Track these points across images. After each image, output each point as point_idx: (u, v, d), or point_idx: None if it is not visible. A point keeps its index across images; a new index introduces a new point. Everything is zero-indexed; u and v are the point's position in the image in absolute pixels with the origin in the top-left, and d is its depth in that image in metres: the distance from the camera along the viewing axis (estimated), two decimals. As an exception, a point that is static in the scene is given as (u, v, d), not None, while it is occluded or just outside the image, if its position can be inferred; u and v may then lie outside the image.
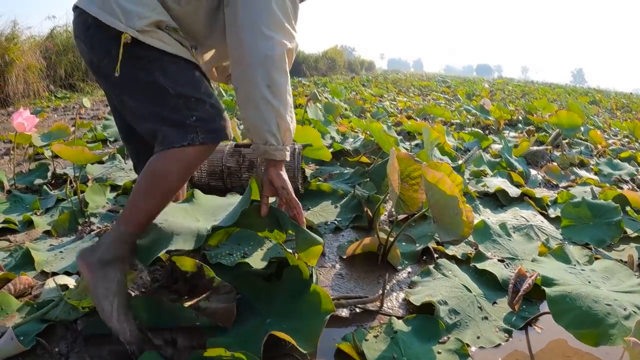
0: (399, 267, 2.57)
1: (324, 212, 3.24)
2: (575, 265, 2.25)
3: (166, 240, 1.77)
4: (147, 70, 1.92)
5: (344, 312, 2.04)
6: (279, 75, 1.90)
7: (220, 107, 1.98)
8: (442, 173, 2.18)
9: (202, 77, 2.02)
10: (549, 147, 6.07)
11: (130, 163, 4.17)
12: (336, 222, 3.12)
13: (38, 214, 3.11)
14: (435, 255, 2.67)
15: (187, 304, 1.85)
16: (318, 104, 6.23)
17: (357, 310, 2.07)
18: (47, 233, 2.84)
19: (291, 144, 2.06)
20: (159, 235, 1.81)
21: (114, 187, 3.53)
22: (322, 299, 1.79)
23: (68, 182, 3.40)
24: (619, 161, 5.50)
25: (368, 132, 4.92)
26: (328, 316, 1.73)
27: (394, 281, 2.44)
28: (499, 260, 2.66)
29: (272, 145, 1.94)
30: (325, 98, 9.62)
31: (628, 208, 3.53)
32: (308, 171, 3.81)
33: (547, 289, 1.88)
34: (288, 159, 2.01)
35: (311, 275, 1.88)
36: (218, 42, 2.14)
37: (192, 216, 2.05)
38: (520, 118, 9.05)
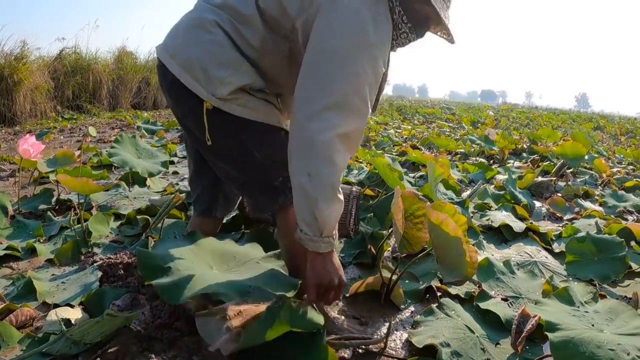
0: (402, 306, 2.55)
1: None
2: (579, 306, 2.22)
3: (197, 286, 1.76)
4: (232, 134, 1.94)
5: (347, 353, 2.02)
6: (323, 165, 1.75)
7: None
8: (445, 215, 2.17)
9: (287, 136, 1.93)
10: (553, 178, 6.06)
11: (134, 190, 4.18)
12: (339, 258, 3.05)
13: (41, 241, 3.11)
14: (439, 294, 2.65)
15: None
16: None
17: (360, 351, 2.05)
18: (50, 261, 2.83)
19: (331, 234, 1.88)
20: (185, 279, 1.79)
21: (117, 216, 3.53)
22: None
23: (72, 210, 3.41)
24: (624, 192, 5.47)
25: (372, 165, 4.90)
26: None
27: (397, 320, 2.42)
28: (502, 299, 2.63)
29: (307, 235, 1.84)
30: None
31: (633, 243, 3.51)
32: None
33: (550, 335, 1.85)
34: (324, 251, 1.87)
35: (323, 331, 1.78)
36: None
37: (202, 259, 2.03)
38: (525, 147, 9.04)
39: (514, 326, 2.25)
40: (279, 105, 2.13)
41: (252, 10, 1.92)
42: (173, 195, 2.97)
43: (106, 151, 4.83)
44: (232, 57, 1.92)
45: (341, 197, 1.86)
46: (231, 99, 1.88)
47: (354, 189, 2.98)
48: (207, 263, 2.02)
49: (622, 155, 10.08)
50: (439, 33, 2.12)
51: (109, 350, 1.91)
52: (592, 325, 2.00)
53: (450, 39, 2.12)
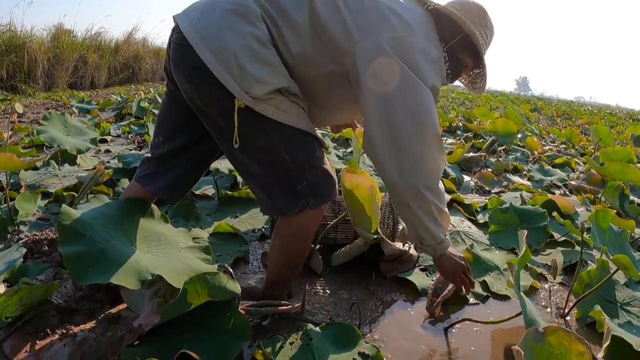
0: (323, 273, 2.60)
1: (252, 219, 3.24)
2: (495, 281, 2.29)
3: (105, 267, 1.68)
4: (262, 133, 1.85)
5: (266, 321, 2.06)
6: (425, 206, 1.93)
7: (330, 170, 1.98)
8: (361, 177, 2.25)
9: (316, 141, 1.97)
10: (484, 153, 6.19)
11: (64, 169, 4.11)
12: (263, 229, 3.12)
13: (-34, 220, 3.04)
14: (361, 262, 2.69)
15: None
16: None
17: (277, 317, 2.08)
18: (-25, 240, 2.76)
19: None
20: (97, 255, 1.72)
21: (45, 195, 3.46)
22: (243, 325, 1.76)
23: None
24: (550, 167, 5.64)
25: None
26: (244, 344, 1.72)
27: (318, 287, 2.47)
28: (421, 269, 2.70)
29: (431, 246, 2.04)
30: None
31: (555, 214, 3.62)
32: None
33: None
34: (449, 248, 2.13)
35: (238, 298, 1.82)
36: (322, 110, 2.10)
37: (126, 234, 1.97)
38: (460, 125, 9.18)
39: (430, 290, 2.32)
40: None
41: (303, 17, 1.83)
42: (96, 169, 2.94)
43: (34, 129, 4.74)
44: (270, 56, 1.79)
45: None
46: (266, 99, 1.77)
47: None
48: (130, 238, 1.97)
49: (555, 135, 10.34)
50: (463, 80, 2.33)
51: (29, 323, 1.89)
52: None
53: (480, 87, 2.29)
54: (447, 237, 2.11)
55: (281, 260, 2.06)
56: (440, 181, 2.01)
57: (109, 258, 1.72)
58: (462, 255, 2.21)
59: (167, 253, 1.99)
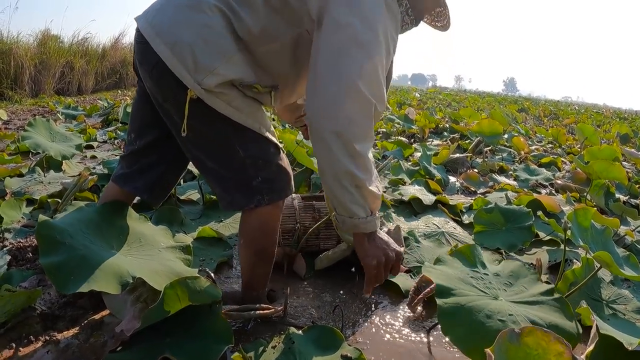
0: (306, 276, 2.60)
1: (236, 224, 3.13)
2: (479, 268, 2.24)
3: (86, 274, 1.68)
4: (216, 127, 1.84)
5: (248, 325, 2.06)
6: (362, 144, 1.73)
7: (286, 165, 1.98)
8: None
9: (271, 136, 1.95)
10: (470, 154, 6.21)
11: (49, 175, 4.10)
12: None
13: (-50, 227, 3.02)
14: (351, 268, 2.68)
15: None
16: None
17: (259, 320, 2.09)
18: (-42, 248, 2.75)
19: (378, 210, 1.87)
20: (78, 262, 1.72)
21: (30, 201, 3.44)
22: (225, 329, 1.75)
23: (-19, 196, 3.34)
24: (536, 167, 5.67)
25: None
26: (226, 348, 1.71)
27: (301, 290, 2.47)
28: (405, 271, 2.69)
29: (361, 219, 1.80)
30: None
31: (540, 212, 3.63)
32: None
33: (438, 300, 1.85)
34: (378, 227, 1.88)
35: (219, 303, 1.81)
36: (298, 78, 2.01)
37: (105, 237, 1.97)
38: (447, 126, 9.22)
39: (412, 288, 2.32)
40: (272, 101, 1.95)
41: None
42: (80, 175, 2.94)
43: (19, 135, 4.73)
44: (224, 45, 1.76)
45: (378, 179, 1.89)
46: (217, 93, 1.75)
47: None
48: (109, 242, 1.97)
49: (542, 135, 10.38)
50: (431, 22, 2.17)
51: (13, 330, 1.89)
52: (487, 290, 2.01)
53: (445, 25, 2.15)
54: (375, 217, 1.82)
55: (249, 259, 2.05)
56: (369, 159, 1.78)
57: (90, 264, 1.72)
58: (400, 249, 1.95)
59: (147, 255, 2.00)
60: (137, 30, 1.85)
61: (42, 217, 1.81)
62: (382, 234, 1.91)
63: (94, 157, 5.26)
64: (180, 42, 1.73)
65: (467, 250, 2.25)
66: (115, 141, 6.33)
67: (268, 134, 1.94)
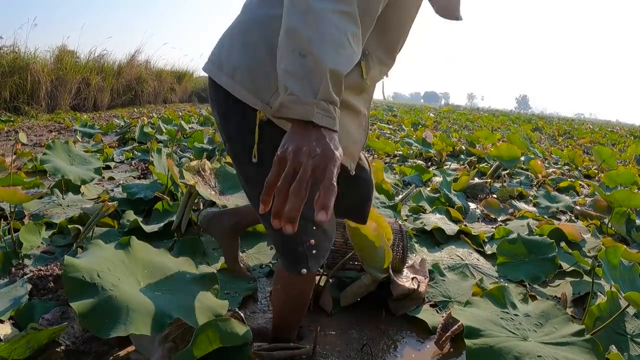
0: (332, 312, 2.56)
1: (259, 254, 3.19)
2: (509, 309, 2.23)
3: (121, 316, 1.64)
4: None
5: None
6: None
7: (331, 230, 1.85)
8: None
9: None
10: (489, 180, 6.17)
11: (68, 198, 4.09)
12: (271, 265, 3.07)
13: (-30, 252, 3.01)
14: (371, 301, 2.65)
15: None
16: None
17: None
18: (-21, 274, 2.73)
19: (332, 98, 1.15)
20: (110, 304, 1.69)
21: (49, 225, 3.43)
22: None
23: (1, 219, 3.32)
24: (557, 193, 5.60)
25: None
26: None
27: (328, 327, 2.43)
28: (431, 305, 2.66)
29: (292, 97, 1.13)
30: None
31: (563, 243, 3.59)
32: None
33: (467, 341, 1.82)
34: (318, 121, 1.11)
35: (250, 343, 1.78)
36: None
37: (132, 273, 1.95)
38: (463, 148, 9.19)
39: (440, 325, 2.29)
40: (364, 73, 1.61)
41: None
42: (103, 204, 2.93)
43: (38, 155, 4.73)
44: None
45: (354, 46, 1.26)
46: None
47: (400, 223, 3.02)
48: (136, 278, 1.94)
49: (558, 156, 10.34)
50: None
51: (36, 366, 1.87)
52: (517, 331, 1.98)
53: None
54: (322, 104, 1.12)
55: (284, 303, 2.01)
56: (333, 22, 1.19)
57: (122, 305, 1.69)
58: (337, 156, 1.13)
59: (176, 289, 1.97)
60: (208, 78, 1.74)
61: (67, 259, 1.78)
62: (337, 142, 1.14)
63: (111, 178, 5.27)
64: (239, 67, 1.59)
65: (497, 292, 2.21)
66: (133, 162, 6.34)
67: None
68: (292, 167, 1.06)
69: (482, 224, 4.57)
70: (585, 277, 3.21)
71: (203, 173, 3.03)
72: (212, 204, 3.85)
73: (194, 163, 3.00)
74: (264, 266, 3.07)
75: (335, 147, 1.11)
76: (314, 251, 1.75)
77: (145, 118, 9.43)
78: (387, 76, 1.85)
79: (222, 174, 3.36)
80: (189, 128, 9.73)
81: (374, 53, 1.66)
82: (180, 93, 24.36)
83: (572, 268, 3.32)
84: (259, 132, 1.59)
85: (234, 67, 1.59)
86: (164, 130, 8.60)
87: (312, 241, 1.72)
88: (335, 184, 1.04)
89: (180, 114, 15.11)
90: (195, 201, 3.21)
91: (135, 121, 9.65)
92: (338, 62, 1.16)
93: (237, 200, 3.25)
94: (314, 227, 1.71)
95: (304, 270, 1.77)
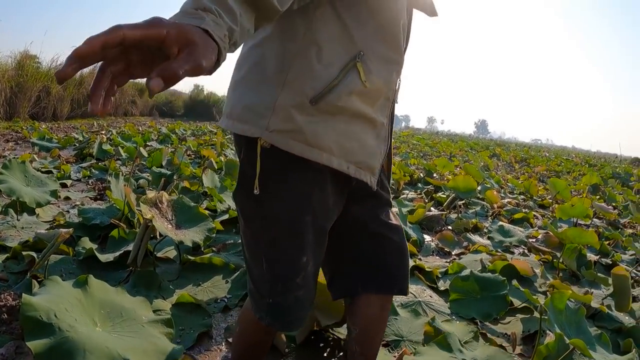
0: (286, 350, 2.56)
1: (214, 288, 3.17)
2: (456, 353, 2.30)
3: (79, 358, 1.65)
4: (289, 185, 1.51)
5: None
6: None
7: (304, 301, 1.65)
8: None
9: (314, 257, 1.61)
10: (445, 211, 6.25)
11: (22, 219, 4.03)
12: (226, 299, 3.04)
13: None
14: (329, 337, 2.67)
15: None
16: (215, 173, 5.89)
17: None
18: None
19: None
20: (67, 346, 1.69)
21: (2, 248, 3.37)
22: None
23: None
24: (510, 227, 5.67)
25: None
26: None
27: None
28: (383, 345, 2.68)
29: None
30: (227, 155, 9.17)
31: (515, 281, 3.65)
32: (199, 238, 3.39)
33: None
34: (194, 23, 0.90)
35: None
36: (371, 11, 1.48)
37: (88, 314, 1.95)
38: (421, 175, 9.28)
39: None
40: (362, 75, 1.48)
41: None
42: (58, 233, 2.89)
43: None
44: (269, 76, 1.46)
45: None
46: (289, 131, 1.43)
47: None
48: (93, 319, 1.95)
49: (514, 185, 10.50)
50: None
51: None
52: None
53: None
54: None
55: (238, 347, 1.92)
56: None
57: (79, 347, 1.71)
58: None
59: (132, 331, 1.99)
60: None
61: (26, 298, 1.79)
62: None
63: (67, 198, 5.19)
64: (235, 104, 1.54)
65: (443, 340, 2.35)
66: (90, 181, 6.25)
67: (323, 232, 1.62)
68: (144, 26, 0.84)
69: (437, 257, 4.63)
70: (536, 314, 3.26)
71: (160, 205, 3.01)
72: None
73: (151, 195, 2.98)
74: (219, 300, 3.04)
75: (172, 25, 0.86)
76: (275, 311, 1.63)
77: (104, 135, 9.32)
78: (400, 79, 1.70)
79: (180, 206, 3.34)
80: (148, 146, 9.66)
81: (375, 50, 1.52)
82: (142, 106, 24.23)
83: (523, 305, 3.38)
84: (260, 162, 1.49)
85: (231, 107, 1.56)
86: (122, 149, 8.50)
87: (270, 300, 1.62)
88: (116, 34, 0.80)
89: (140, 129, 14.99)
90: (152, 235, 3.17)
91: (94, 136, 9.56)
92: None
93: (193, 234, 3.24)
94: (284, 288, 1.59)
95: (262, 319, 1.66)
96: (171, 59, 0.84)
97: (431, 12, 1.70)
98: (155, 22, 0.84)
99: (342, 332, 2.66)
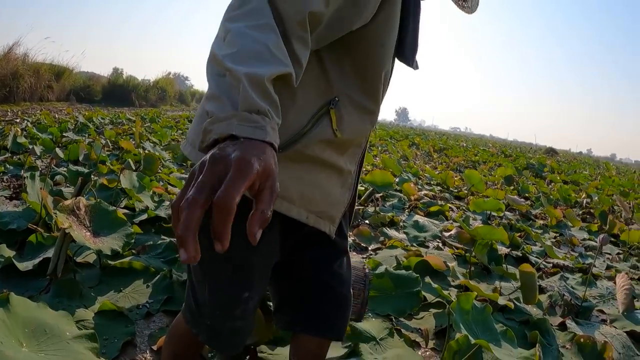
0: (209, 355, 2.54)
1: (136, 293, 3.12)
2: (367, 356, 2.38)
3: None
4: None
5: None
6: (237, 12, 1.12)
7: (242, 331, 1.65)
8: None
9: (257, 281, 1.58)
10: (363, 206, 6.39)
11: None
12: (147, 305, 3.00)
13: None
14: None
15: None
16: (133, 172, 5.70)
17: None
18: None
19: (260, 107, 0.95)
20: None
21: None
22: None
23: None
24: (425, 221, 5.81)
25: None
26: None
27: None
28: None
29: (212, 117, 0.95)
30: (145, 148, 8.98)
31: (427, 278, 3.77)
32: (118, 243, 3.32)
33: None
34: (248, 134, 0.90)
35: None
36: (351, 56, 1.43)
37: (13, 334, 1.93)
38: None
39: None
40: (334, 124, 1.43)
41: None
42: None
43: None
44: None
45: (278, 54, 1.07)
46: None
47: (366, 266, 2.61)
48: (18, 338, 1.94)
49: (431, 176, 10.75)
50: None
51: None
52: None
53: (471, 7, 1.67)
54: (243, 115, 0.92)
55: (166, 356, 1.91)
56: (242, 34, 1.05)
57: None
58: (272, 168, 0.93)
59: (57, 348, 1.99)
60: None
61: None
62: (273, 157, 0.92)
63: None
64: (195, 130, 1.49)
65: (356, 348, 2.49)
66: (4, 177, 5.92)
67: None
68: (198, 176, 0.84)
69: (354, 253, 4.73)
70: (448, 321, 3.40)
71: (78, 212, 2.97)
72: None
73: (68, 202, 2.94)
74: (140, 307, 2.99)
75: (256, 157, 0.85)
76: (210, 333, 1.62)
77: (18, 128, 8.96)
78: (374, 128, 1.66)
79: (97, 211, 3.26)
80: (65, 137, 9.41)
81: (352, 97, 1.47)
82: (58, 91, 23.40)
83: (436, 300, 3.53)
84: None
85: (195, 134, 1.49)
86: (38, 141, 8.25)
87: (209, 322, 1.60)
88: (233, 203, 0.80)
89: (56, 116, 14.56)
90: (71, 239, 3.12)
91: (8, 128, 9.22)
92: (254, 67, 1.00)
93: (112, 242, 3.19)
94: (223, 317, 1.59)
95: (199, 334, 1.64)
96: (257, 200, 0.85)
97: (414, 66, 1.64)
98: (248, 169, 0.83)
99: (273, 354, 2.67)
